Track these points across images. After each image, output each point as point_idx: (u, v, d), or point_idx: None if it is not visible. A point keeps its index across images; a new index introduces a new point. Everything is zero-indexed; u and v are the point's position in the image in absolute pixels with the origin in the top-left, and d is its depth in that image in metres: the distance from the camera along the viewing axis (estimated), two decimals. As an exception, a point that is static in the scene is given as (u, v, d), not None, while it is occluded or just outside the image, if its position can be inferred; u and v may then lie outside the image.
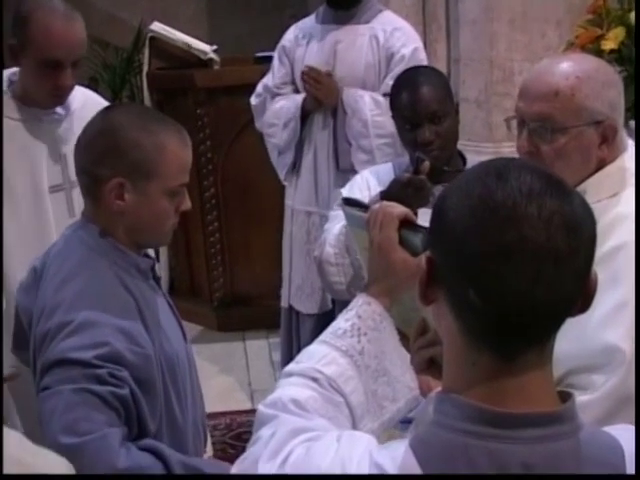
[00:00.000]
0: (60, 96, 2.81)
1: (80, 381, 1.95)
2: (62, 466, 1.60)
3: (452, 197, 1.25)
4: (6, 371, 2.68)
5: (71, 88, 2.81)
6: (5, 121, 2.78)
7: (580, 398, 1.91)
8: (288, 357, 4.00)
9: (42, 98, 2.79)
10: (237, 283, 5.63)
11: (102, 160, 2.07)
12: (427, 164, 2.70)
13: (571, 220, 1.20)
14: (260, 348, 5.33)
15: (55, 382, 1.97)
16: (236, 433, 4.38)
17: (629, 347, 1.95)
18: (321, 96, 3.85)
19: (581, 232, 1.21)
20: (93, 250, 2.12)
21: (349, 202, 1.96)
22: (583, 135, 2.07)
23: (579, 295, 1.24)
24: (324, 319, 3.77)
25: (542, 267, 1.17)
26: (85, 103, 2.92)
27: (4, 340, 2.55)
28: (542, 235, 1.17)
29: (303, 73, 3.86)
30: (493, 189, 1.20)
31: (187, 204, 2.18)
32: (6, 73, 2.85)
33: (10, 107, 2.81)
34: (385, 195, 2.65)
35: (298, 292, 4.12)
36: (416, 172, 2.72)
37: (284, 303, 4.22)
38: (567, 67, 2.08)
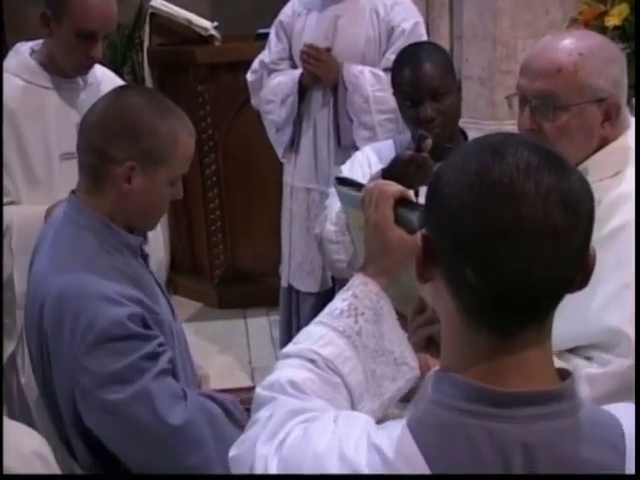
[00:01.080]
0: (88, 67, 2.99)
1: (144, 368, 1.99)
2: (34, 440, 1.60)
3: (448, 173, 1.23)
4: None
5: (98, 60, 2.99)
6: (25, 85, 2.96)
7: (590, 370, 1.93)
8: (287, 336, 3.99)
9: (71, 67, 2.97)
10: (238, 260, 5.62)
11: (117, 141, 2.07)
12: (429, 142, 2.67)
13: (569, 196, 1.18)
14: (261, 326, 5.33)
15: (119, 386, 1.99)
16: (237, 410, 4.37)
17: (632, 330, 1.94)
18: (320, 74, 3.81)
19: (579, 208, 1.19)
20: (84, 229, 2.11)
21: (342, 181, 1.94)
22: (586, 113, 2.04)
23: (578, 272, 1.22)
24: (324, 297, 3.76)
25: (540, 244, 1.15)
26: (103, 79, 3.11)
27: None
28: (540, 212, 1.15)
29: (302, 52, 3.82)
30: (489, 165, 1.18)
31: (180, 193, 2.19)
32: (30, 44, 3.04)
33: (32, 71, 2.98)
34: (386, 172, 2.63)
35: (298, 270, 4.10)
36: (418, 150, 2.69)
37: (284, 282, 4.20)
38: (570, 44, 2.05)
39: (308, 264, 4.03)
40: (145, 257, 2.26)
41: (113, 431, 2.05)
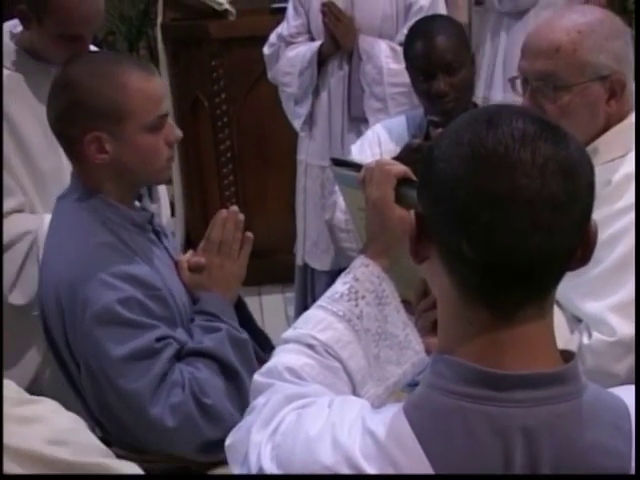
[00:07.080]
0: None
1: (140, 370, 1.96)
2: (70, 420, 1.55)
3: (441, 146, 1.18)
4: None
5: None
6: (14, 74, 2.73)
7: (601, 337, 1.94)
8: (302, 315, 3.97)
9: (58, 61, 2.62)
10: (253, 237, 5.57)
11: (68, 119, 2.03)
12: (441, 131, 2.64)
13: (567, 166, 1.12)
14: (276, 302, 5.30)
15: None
16: (250, 388, 4.35)
17: (615, 317, 1.93)
18: (339, 34, 3.76)
19: (578, 178, 1.13)
20: (85, 210, 2.08)
21: (338, 162, 1.91)
22: (588, 91, 1.99)
23: (578, 245, 1.17)
24: (339, 275, 3.74)
25: (537, 215, 1.10)
26: None
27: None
28: (536, 182, 1.10)
29: (323, 5, 3.76)
30: (484, 135, 1.13)
31: (176, 134, 2.12)
32: (7, 26, 2.77)
33: (19, 59, 2.74)
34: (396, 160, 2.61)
35: (313, 248, 4.08)
36: (427, 138, 2.66)
37: (299, 261, 4.18)
38: (568, 21, 2.00)
39: (323, 242, 4.00)
40: (157, 233, 2.22)
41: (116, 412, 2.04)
